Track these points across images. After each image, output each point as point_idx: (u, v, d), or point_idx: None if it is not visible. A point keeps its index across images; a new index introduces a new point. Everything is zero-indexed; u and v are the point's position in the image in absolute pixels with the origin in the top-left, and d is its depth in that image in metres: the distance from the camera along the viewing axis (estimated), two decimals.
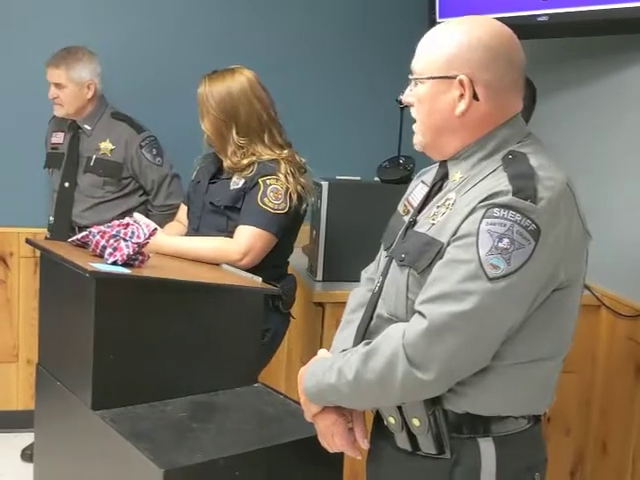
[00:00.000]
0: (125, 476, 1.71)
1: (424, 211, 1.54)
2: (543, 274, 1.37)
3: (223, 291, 2.03)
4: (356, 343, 1.54)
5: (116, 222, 1.99)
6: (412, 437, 1.49)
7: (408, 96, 1.53)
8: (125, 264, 1.90)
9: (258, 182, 2.37)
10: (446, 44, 1.45)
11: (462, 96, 1.44)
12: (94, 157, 3.27)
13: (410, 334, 1.37)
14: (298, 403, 1.62)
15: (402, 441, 1.51)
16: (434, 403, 1.44)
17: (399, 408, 1.47)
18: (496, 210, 1.35)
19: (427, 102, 1.48)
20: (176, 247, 2.37)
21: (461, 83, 1.43)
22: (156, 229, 2.03)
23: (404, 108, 1.55)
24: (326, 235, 2.81)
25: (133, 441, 1.67)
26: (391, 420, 1.50)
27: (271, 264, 2.41)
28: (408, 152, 2.45)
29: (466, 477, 1.46)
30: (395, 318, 1.50)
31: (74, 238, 2.06)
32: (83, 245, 2.03)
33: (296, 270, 2.72)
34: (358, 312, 1.63)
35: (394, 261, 1.53)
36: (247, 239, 2.32)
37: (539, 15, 2.72)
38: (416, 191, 1.64)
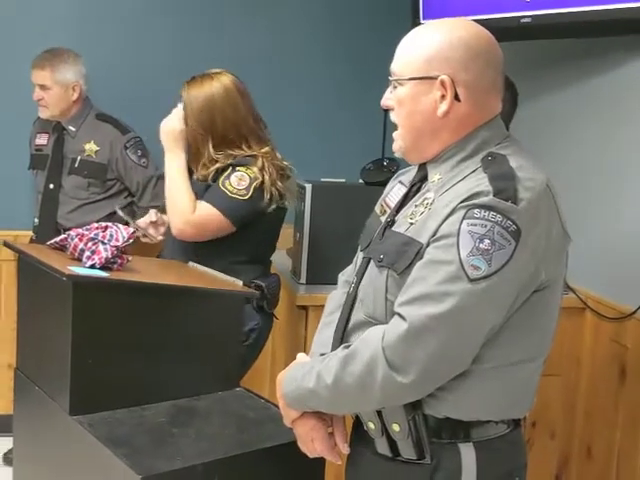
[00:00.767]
0: None
1: (402, 211, 1.52)
2: (524, 275, 1.36)
3: (203, 295, 2.01)
4: (335, 346, 1.52)
5: (95, 225, 1.96)
6: (392, 442, 1.47)
7: (388, 99, 1.51)
8: (103, 267, 1.88)
9: (229, 168, 2.38)
10: (426, 44, 1.44)
11: (443, 97, 1.43)
12: (79, 158, 3.26)
13: (389, 337, 1.36)
14: (279, 407, 1.60)
15: (382, 446, 1.49)
16: (414, 408, 1.43)
17: (379, 413, 1.45)
18: (477, 211, 1.34)
19: (408, 104, 1.47)
20: (170, 178, 2.41)
21: (442, 84, 1.42)
22: (135, 232, 2.01)
23: (387, 111, 1.54)
24: (310, 238, 2.80)
25: (111, 447, 1.65)
26: (371, 425, 1.48)
27: (248, 259, 2.42)
28: (392, 154, 2.43)
29: None
30: (374, 320, 1.48)
31: (52, 241, 2.04)
32: (61, 248, 2.01)
33: (280, 272, 2.70)
34: (336, 314, 1.62)
35: (372, 262, 1.51)
36: (199, 212, 2.36)
37: (523, 17, 2.71)
38: (393, 192, 1.62)
